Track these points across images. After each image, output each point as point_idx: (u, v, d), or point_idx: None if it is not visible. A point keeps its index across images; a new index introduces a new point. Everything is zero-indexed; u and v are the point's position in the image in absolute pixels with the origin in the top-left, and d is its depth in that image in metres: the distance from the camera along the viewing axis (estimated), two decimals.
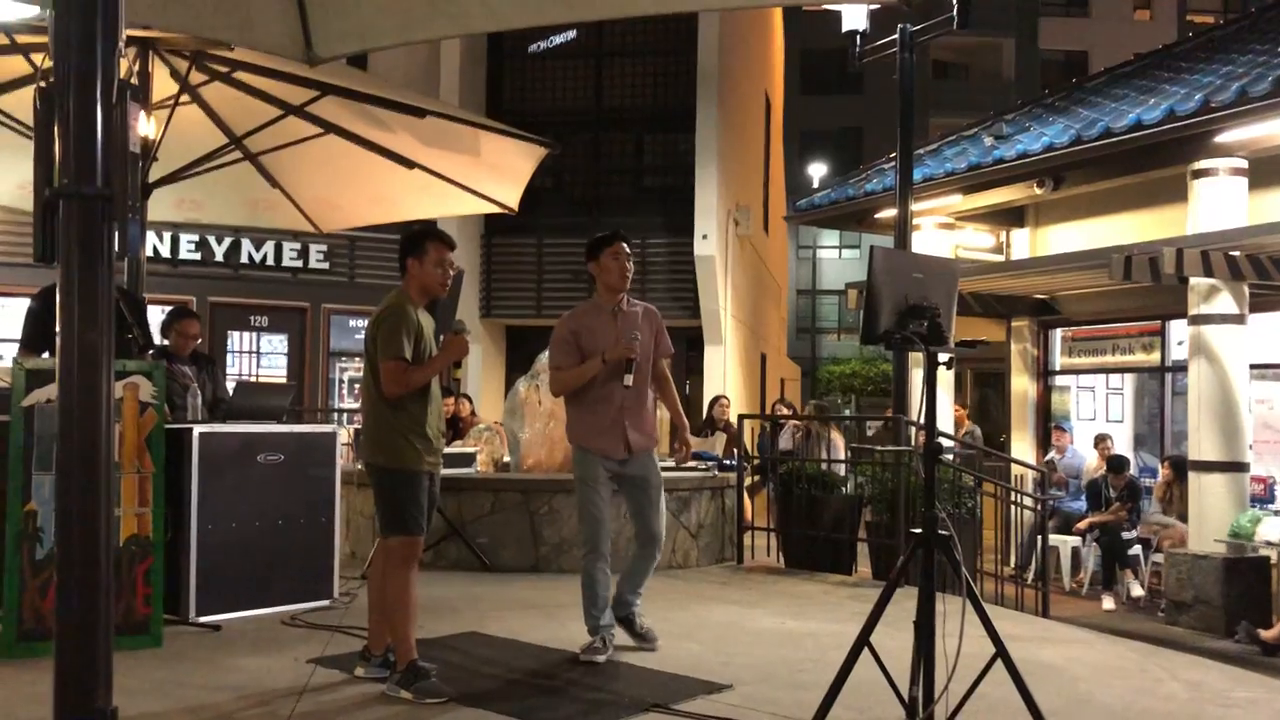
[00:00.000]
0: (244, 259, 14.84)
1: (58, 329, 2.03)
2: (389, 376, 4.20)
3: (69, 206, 2.02)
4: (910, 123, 8.80)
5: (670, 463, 5.69)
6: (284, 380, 14.25)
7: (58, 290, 2.06)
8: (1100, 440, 11.25)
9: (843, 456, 9.83)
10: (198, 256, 14.59)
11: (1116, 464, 10.43)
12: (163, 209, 7.62)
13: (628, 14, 4.93)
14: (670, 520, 7.05)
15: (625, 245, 4.93)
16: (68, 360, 1.98)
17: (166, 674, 4.43)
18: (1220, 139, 8.85)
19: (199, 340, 6.55)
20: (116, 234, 2.01)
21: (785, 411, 11.97)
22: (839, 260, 35.19)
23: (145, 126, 6.30)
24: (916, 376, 9.13)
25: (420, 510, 4.27)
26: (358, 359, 15.26)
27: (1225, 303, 9.03)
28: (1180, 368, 10.49)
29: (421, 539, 4.32)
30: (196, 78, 6.55)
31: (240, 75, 6.44)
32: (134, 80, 6.23)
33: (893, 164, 9.79)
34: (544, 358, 8.16)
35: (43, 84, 2.05)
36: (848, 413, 26.14)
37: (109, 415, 2.02)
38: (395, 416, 4.26)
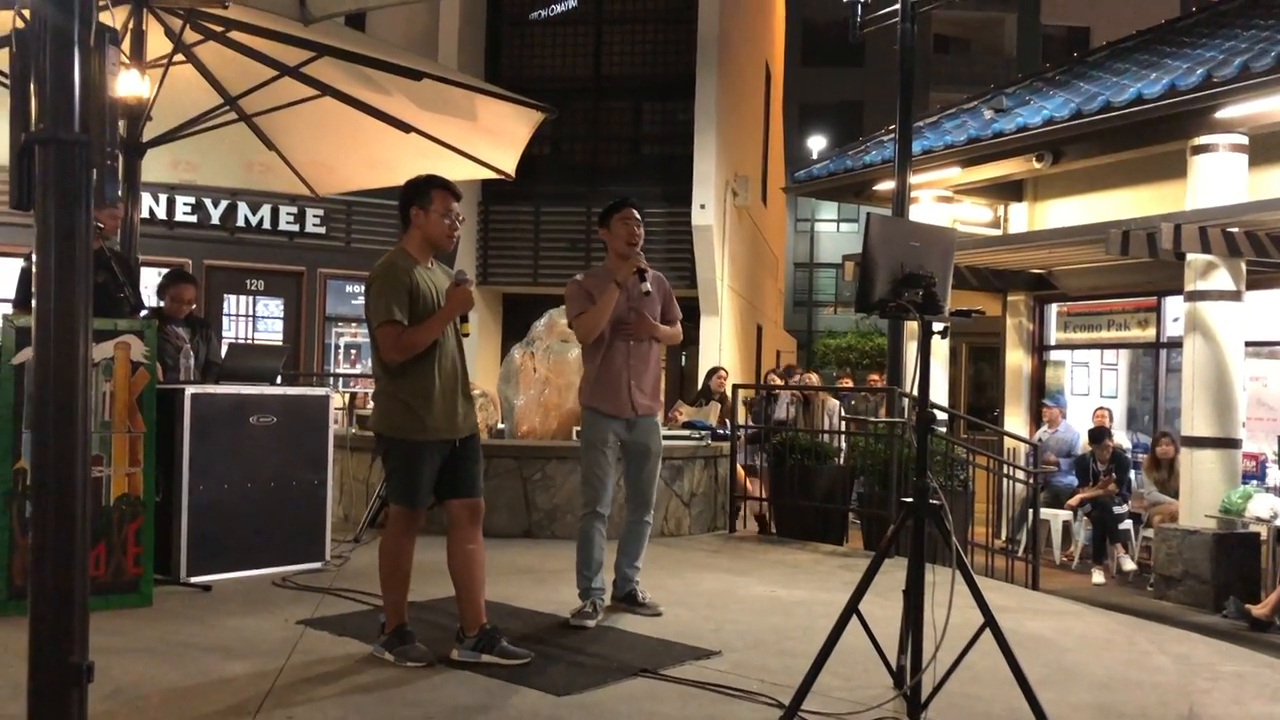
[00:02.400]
0: (240, 222, 14.76)
1: (35, 280, 2.01)
2: (384, 342, 3.97)
3: (45, 151, 1.98)
4: (910, 94, 8.75)
5: (663, 430, 5.69)
6: (279, 343, 14.22)
7: (35, 240, 2.04)
8: (1097, 412, 11.27)
9: (839, 424, 9.85)
10: (194, 219, 14.51)
11: (1095, 435, 10.44)
12: (158, 170, 7.57)
13: None
14: (663, 488, 7.07)
15: (635, 212, 4.98)
16: (44, 310, 1.95)
17: (155, 633, 4.43)
18: (1221, 114, 8.81)
19: (194, 305, 6.50)
20: (94, 180, 1.98)
21: (778, 381, 11.95)
22: (837, 234, 35.07)
23: (139, 85, 6.25)
24: (912, 348, 9.12)
25: (420, 482, 4.06)
26: (354, 324, 15.24)
27: (1222, 279, 9.02)
28: (1175, 344, 10.49)
29: (420, 512, 4.15)
30: (191, 37, 6.50)
31: (235, 35, 6.37)
32: (127, 38, 6.18)
33: (892, 136, 9.74)
34: (539, 325, 8.15)
35: (19, 27, 2.01)
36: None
37: (86, 367, 2.00)
38: (396, 383, 4.04)
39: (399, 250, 4.16)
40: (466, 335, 4.18)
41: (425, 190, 4.14)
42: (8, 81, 5.61)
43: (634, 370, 4.97)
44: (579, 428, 7.73)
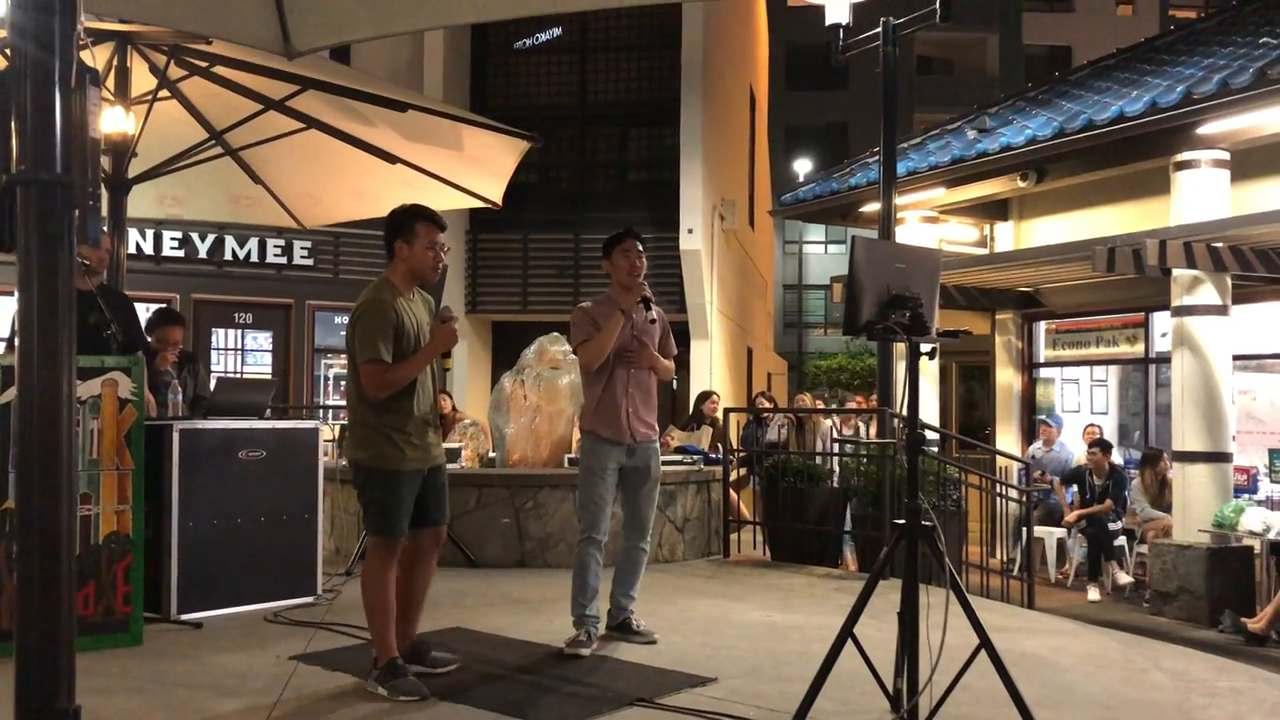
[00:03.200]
0: (227, 255, 14.75)
1: (16, 319, 1.99)
2: (368, 380, 4.03)
3: (26, 193, 1.97)
4: (894, 116, 8.79)
5: (664, 457, 5.72)
6: (267, 377, 14.18)
7: (17, 280, 2.03)
8: (1088, 429, 11.28)
9: (831, 445, 9.84)
10: (181, 253, 14.50)
11: (1102, 445, 10.44)
12: (144, 205, 7.57)
13: (609, 6, 4.91)
14: (656, 514, 7.03)
15: (638, 244, 5.02)
16: (27, 350, 1.94)
17: (146, 672, 4.39)
18: (1202, 131, 8.87)
19: (180, 345, 6.48)
20: (77, 221, 1.97)
21: (767, 405, 11.94)
22: (825, 255, 35.21)
23: (124, 121, 6.27)
24: (902, 369, 9.14)
25: (401, 510, 4.12)
26: (343, 355, 15.15)
27: (1208, 294, 9.05)
28: (1164, 359, 10.51)
29: (400, 540, 4.17)
30: (175, 72, 6.52)
31: (219, 69, 6.40)
32: (111, 75, 6.19)
33: (877, 158, 9.78)
34: (529, 353, 8.14)
35: (0, 69, 2.01)
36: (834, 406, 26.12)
37: (70, 407, 1.99)
38: (376, 415, 4.10)
39: (384, 282, 4.17)
40: (448, 370, 4.23)
41: (409, 222, 4.16)
42: None
43: (634, 398, 5.00)
44: (571, 455, 7.73)
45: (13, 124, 1.98)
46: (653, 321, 5.06)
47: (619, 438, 4.95)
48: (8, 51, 2.14)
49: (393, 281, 4.17)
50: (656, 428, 5.20)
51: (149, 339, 6.33)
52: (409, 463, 4.13)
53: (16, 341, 2.02)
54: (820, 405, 13.62)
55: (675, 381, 15.38)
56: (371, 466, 4.13)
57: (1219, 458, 9.02)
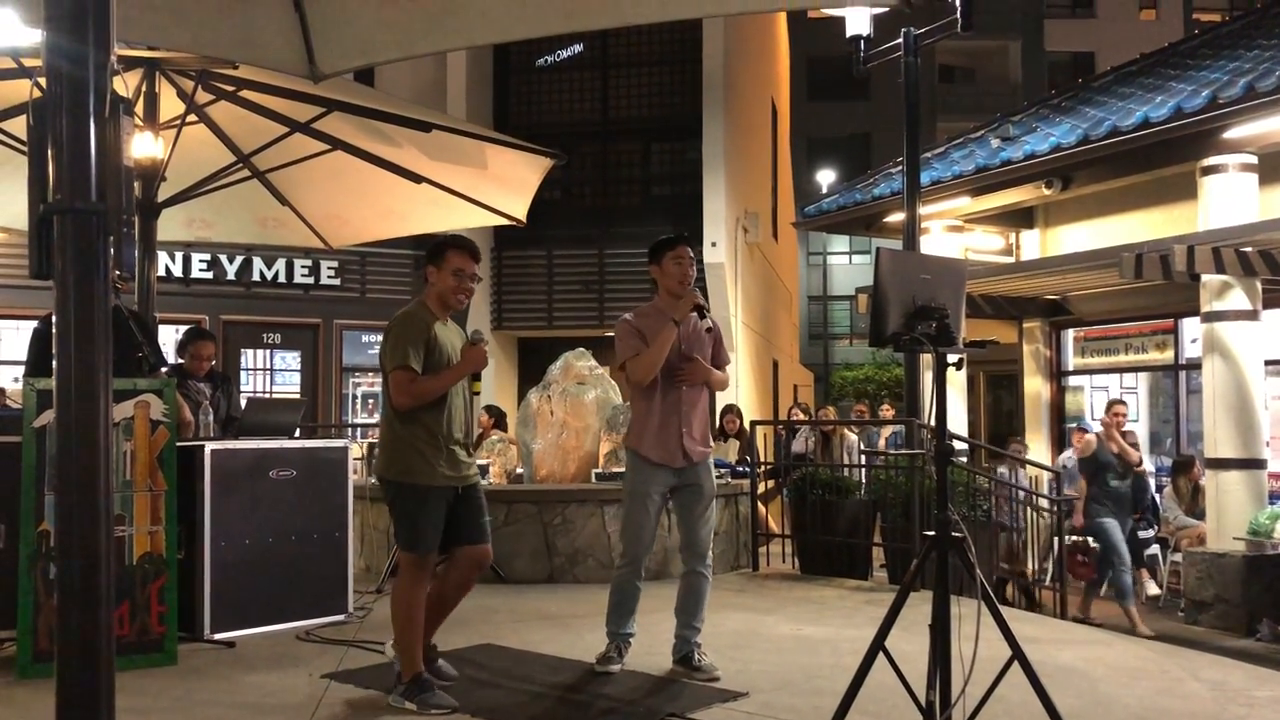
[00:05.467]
0: (255, 277, 14.89)
1: (55, 345, 2.03)
2: (395, 387, 4.12)
3: (63, 222, 2.01)
4: (917, 126, 8.78)
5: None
6: (297, 396, 14.29)
7: (55, 306, 2.07)
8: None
9: (858, 458, 9.81)
10: (210, 275, 14.65)
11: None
12: (173, 229, 7.66)
13: (628, 23, 4.93)
14: None
15: (689, 250, 4.80)
16: (65, 377, 1.98)
17: (181, 691, 4.43)
18: (1229, 135, 8.82)
19: (213, 361, 6.58)
20: (112, 249, 2.01)
21: (800, 415, 11.92)
22: (849, 265, 35.10)
23: (153, 146, 6.35)
24: (929, 379, 9.09)
25: (432, 527, 4.15)
26: (371, 374, 15.30)
27: (1238, 299, 8.98)
28: (1194, 366, 10.43)
29: (431, 556, 4.20)
30: (203, 97, 6.59)
31: (246, 93, 6.46)
32: (140, 101, 6.27)
33: (900, 168, 9.77)
34: (555, 369, 8.18)
35: (36, 99, 2.05)
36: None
37: (107, 432, 2.02)
38: (407, 429, 4.16)
39: (419, 303, 4.32)
40: (477, 394, 4.33)
41: (441, 250, 4.29)
42: (24, 149, 5.72)
43: (685, 416, 4.70)
44: (598, 470, 7.74)
45: (49, 153, 2.03)
46: (709, 330, 4.81)
47: (670, 461, 4.66)
48: (42, 81, 2.18)
49: (427, 304, 4.30)
50: (710, 444, 4.92)
51: (180, 360, 6.42)
52: (439, 478, 4.16)
53: (55, 365, 2.06)
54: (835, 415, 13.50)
55: None
56: (401, 481, 4.18)
57: (1253, 464, 8.93)
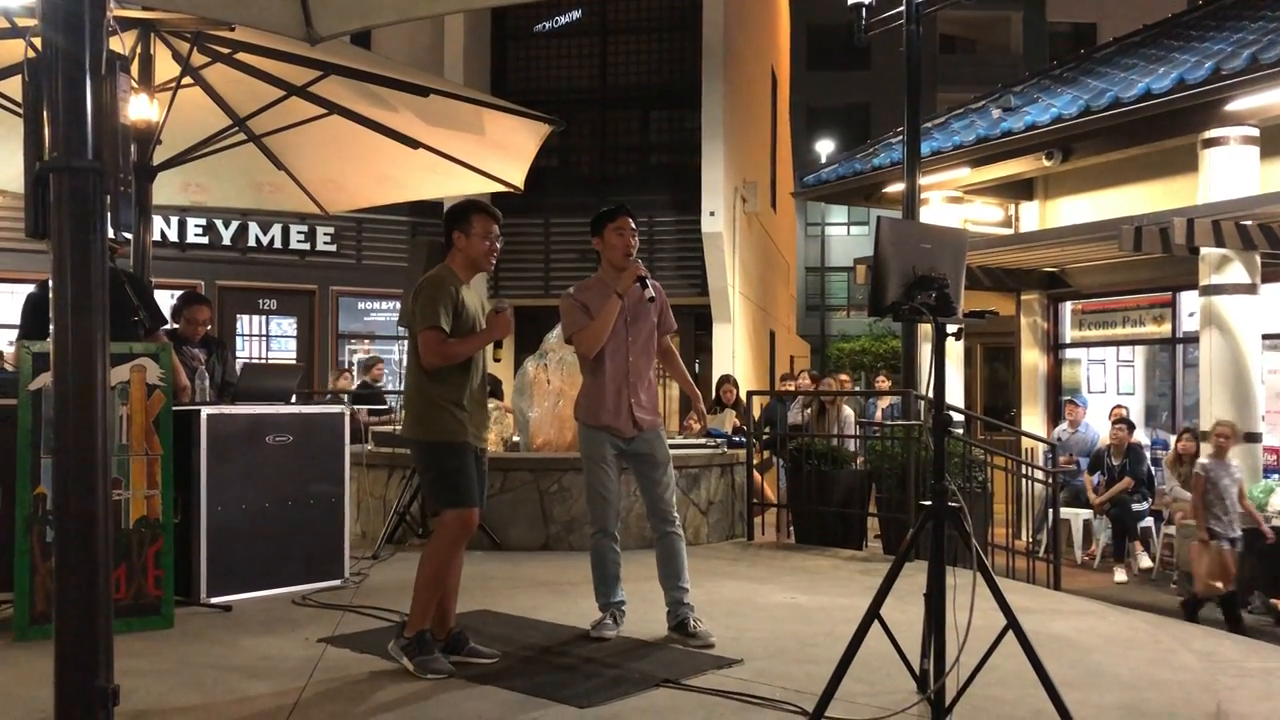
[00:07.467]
0: (251, 242, 14.84)
1: (51, 306, 2.02)
2: (426, 346, 4.15)
3: (59, 180, 1.99)
4: (917, 96, 8.73)
5: (678, 439, 5.66)
6: (293, 362, 14.28)
7: (51, 267, 2.05)
8: (1114, 409, 11.19)
9: (852, 430, 9.82)
10: (205, 240, 14.60)
11: (1126, 422, 10.32)
12: (168, 192, 7.62)
13: None
14: (680, 497, 7.04)
15: (630, 220, 4.81)
16: (62, 336, 1.96)
17: (177, 654, 4.44)
18: (1231, 107, 8.78)
19: (209, 326, 6.57)
20: (109, 207, 1.98)
21: (794, 386, 11.91)
22: (848, 237, 35.03)
23: (148, 109, 6.29)
24: (927, 350, 9.10)
25: (470, 480, 4.19)
26: (367, 340, 15.28)
27: (1237, 272, 8.98)
28: (1191, 339, 10.43)
29: (476, 511, 4.23)
30: (198, 59, 6.52)
31: (242, 56, 6.40)
32: (135, 63, 6.21)
33: (900, 138, 9.73)
34: (551, 337, 8.15)
35: (31, 56, 2.02)
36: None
37: (104, 392, 2.01)
38: (435, 388, 4.19)
39: (445, 267, 4.34)
40: (499, 360, 4.41)
41: (466, 214, 4.32)
42: (20, 110, 5.68)
43: (633, 386, 4.79)
44: None
45: (44, 112, 2.00)
46: (651, 300, 4.82)
47: (620, 429, 4.76)
48: (37, 41, 2.15)
49: (453, 268, 4.33)
50: (659, 412, 5.00)
51: (175, 324, 6.40)
52: (468, 435, 4.23)
53: (51, 328, 2.05)
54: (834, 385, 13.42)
55: (697, 365, 15.37)
56: (436, 441, 4.20)
57: (1248, 437, 8.95)
